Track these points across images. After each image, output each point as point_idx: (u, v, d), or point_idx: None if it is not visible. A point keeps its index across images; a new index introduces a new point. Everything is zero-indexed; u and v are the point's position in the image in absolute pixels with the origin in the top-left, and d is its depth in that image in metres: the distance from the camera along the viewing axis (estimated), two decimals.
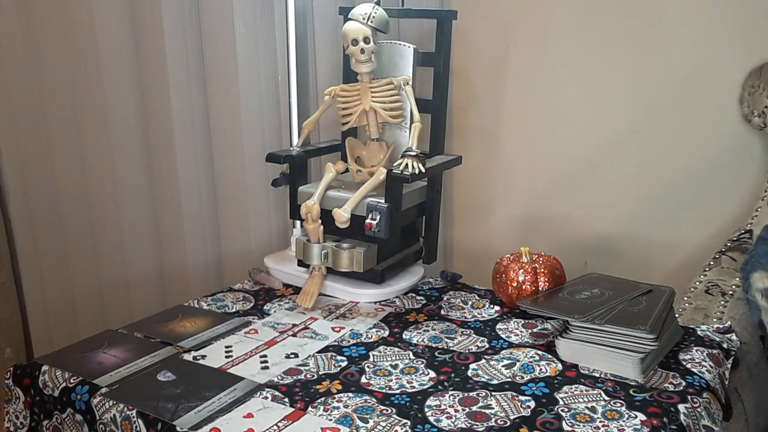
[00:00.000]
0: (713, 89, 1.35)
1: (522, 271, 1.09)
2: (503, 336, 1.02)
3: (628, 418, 0.79)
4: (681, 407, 0.81)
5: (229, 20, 1.44)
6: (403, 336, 1.03)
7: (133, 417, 0.82)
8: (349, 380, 0.90)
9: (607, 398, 0.84)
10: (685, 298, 1.17)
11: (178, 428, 0.79)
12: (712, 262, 1.24)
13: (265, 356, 0.97)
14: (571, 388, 0.86)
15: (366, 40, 1.11)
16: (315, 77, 1.46)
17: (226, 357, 0.96)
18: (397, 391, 0.87)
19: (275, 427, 0.79)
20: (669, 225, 1.45)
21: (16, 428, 0.96)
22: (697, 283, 1.20)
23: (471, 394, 0.86)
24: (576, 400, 0.83)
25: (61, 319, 1.89)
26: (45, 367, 0.93)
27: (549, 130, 1.53)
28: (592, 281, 1.07)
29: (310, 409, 0.83)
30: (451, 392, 0.86)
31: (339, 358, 0.96)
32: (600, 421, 0.79)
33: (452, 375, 0.91)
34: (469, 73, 1.59)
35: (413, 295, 1.19)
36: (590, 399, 0.84)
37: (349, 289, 1.17)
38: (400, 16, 1.36)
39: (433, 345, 1.00)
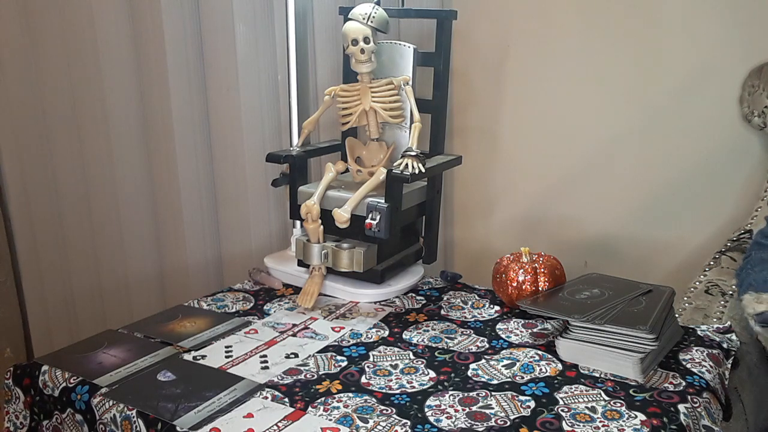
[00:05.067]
0: (713, 89, 1.35)
1: (522, 271, 1.09)
2: (503, 336, 1.02)
3: (628, 418, 0.79)
4: (681, 407, 0.81)
5: (229, 20, 1.44)
6: (403, 336, 1.03)
7: (133, 417, 0.82)
8: (349, 380, 0.90)
9: (607, 398, 0.84)
10: (685, 298, 1.17)
11: (178, 428, 0.79)
12: (712, 262, 1.24)
13: (265, 356, 0.97)
14: (571, 388, 0.86)
15: (366, 40, 1.11)
16: (315, 77, 1.46)
17: (226, 357, 0.97)
18: (397, 391, 0.87)
19: (275, 427, 0.79)
20: (669, 225, 1.45)
21: (16, 428, 0.96)
22: (697, 283, 1.20)
23: (471, 394, 0.86)
24: (576, 400, 0.83)
25: (61, 319, 1.90)
26: (45, 367, 0.93)
27: (549, 130, 1.53)
28: (592, 281, 1.07)
29: (310, 409, 0.83)
30: (451, 392, 0.86)
31: (339, 358, 0.96)
32: (600, 421, 0.79)
33: (452, 375, 0.91)
34: (469, 73, 1.59)
35: (413, 295, 1.19)
36: (590, 399, 0.84)
37: (349, 289, 1.17)
38: (400, 16, 1.36)
39: (433, 345, 1.00)
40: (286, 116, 1.42)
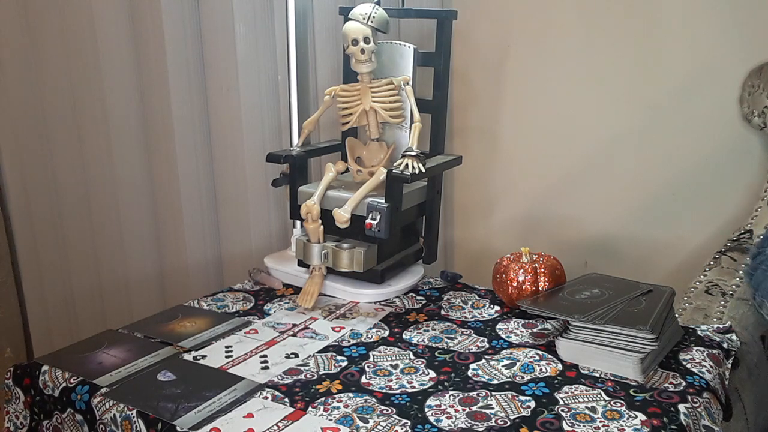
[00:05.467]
0: (713, 89, 1.35)
1: (522, 271, 1.09)
2: (503, 336, 1.02)
3: (628, 418, 0.79)
4: (681, 407, 0.81)
5: (229, 20, 1.44)
6: (403, 336, 1.03)
7: (133, 417, 0.82)
8: (349, 380, 0.90)
9: (607, 398, 0.84)
10: (685, 298, 1.17)
11: (178, 428, 0.79)
12: (712, 262, 1.24)
13: (265, 356, 0.97)
14: (571, 388, 0.86)
15: (366, 40, 1.11)
16: (315, 77, 1.46)
17: (226, 357, 0.97)
18: (397, 391, 0.87)
19: (275, 427, 0.79)
20: (669, 225, 1.45)
21: (16, 428, 0.96)
22: (697, 283, 1.20)
23: (471, 394, 0.86)
24: (576, 400, 0.83)
25: (61, 319, 1.90)
26: (45, 367, 0.93)
27: (549, 130, 1.53)
28: (592, 281, 1.07)
29: (310, 409, 0.83)
30: (451, 392, 0.86)
31: (339, 358, 0.96)
32: (600, 421, 0.79)
33: (452, 375, 0.91)
34: (469, 73, 1.59)
35: (413, 295, 1.19)
36: (590, 399, 0.84)
37: (349, 289, 1.17)
38: (400, 16, 1.36)
39: (433, 345, 1.00)
40: (286, 116, 1.42)
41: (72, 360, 0.95)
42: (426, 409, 0.82)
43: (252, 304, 1.16)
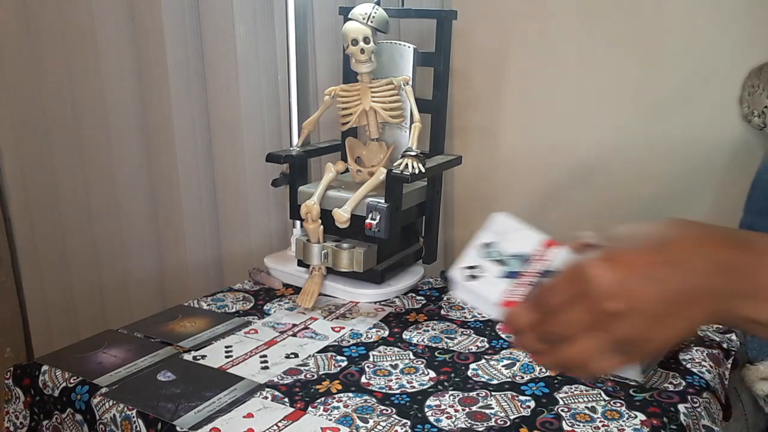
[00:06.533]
0: (713, 89, 1.35)
1: None
2: (503, 336, 1.02)
3: (628, 418, 0.79)
4: (681, 407, 0.81)
5: (229, 20, 1.44)
6: (403, 336, 1.03)
7: (133, 417, 0.82)
8: (349, 380, 0.90)
9: (607, 398, 0.84)
10: None
11: (178, 428, 0.79)
12: None
13: (265, 356, 0.97)
14: (571, 388, 0.86)
15: (366, 40, 1.11)
16: (315, 77, 1.46)
17: (226, 357, 0.97)
18: (397, 391, 0.87)
19: (275, 427, 0.79)
20: None
21: (16, 428, 0.96)
22: None
23: (471, 394, 0.86)
24: (576, 400, 0.83)
25: (61, 319, 1.90)
26: (45, 367, 0.93)
27: (549, 130, 1.53)
28: None
29: (310, 409, 0.83)
30: (451, 392, 0.86)
31: (339, 358, 0.96)
32: (600, 421, 0.79)
33: (452, 375, 0.91)
34: (469, 73, 1.59)
35: (413, 295, 1.19)
36: (590, 399, 0.84)
37: (349, 289, 1.17)
38: (400, 16, 1.35)
39: (433, 345, 1.00)
40: (286, 116, 1.42)
41: (72, 360, 0.95)
42: (426, 409, 0.82)
43: (252, 304, 1.16)
